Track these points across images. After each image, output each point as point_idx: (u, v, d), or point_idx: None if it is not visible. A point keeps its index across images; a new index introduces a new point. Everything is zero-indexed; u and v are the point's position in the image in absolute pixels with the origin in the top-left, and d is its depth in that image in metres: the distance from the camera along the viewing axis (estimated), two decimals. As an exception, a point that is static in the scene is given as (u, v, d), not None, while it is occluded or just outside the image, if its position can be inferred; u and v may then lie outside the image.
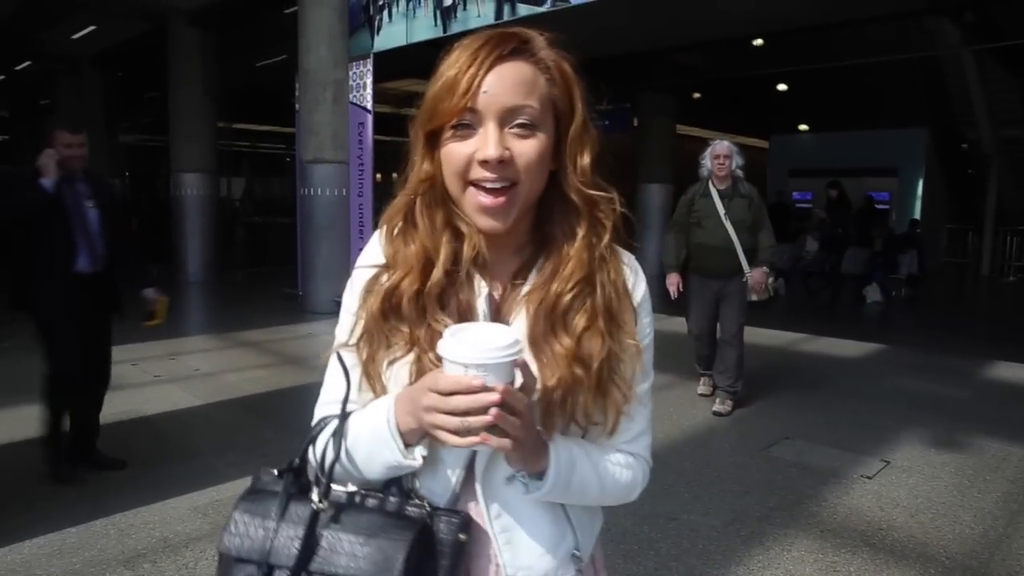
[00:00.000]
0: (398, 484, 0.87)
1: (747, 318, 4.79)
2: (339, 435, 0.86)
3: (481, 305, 0.87)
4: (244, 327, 7.41)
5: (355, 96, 8.39)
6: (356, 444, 0.86)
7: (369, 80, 8.28)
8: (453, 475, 0.88)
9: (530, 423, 0.78)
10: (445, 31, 7.46)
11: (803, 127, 17.16)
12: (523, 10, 6.80)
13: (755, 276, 4.64)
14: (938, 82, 13.09)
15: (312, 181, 8.38)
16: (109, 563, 2.72)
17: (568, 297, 0.85)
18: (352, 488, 0.87)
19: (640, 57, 11.50)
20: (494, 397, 0.72)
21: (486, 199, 0.82)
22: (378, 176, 9.28)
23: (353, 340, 0.89)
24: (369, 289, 0.89)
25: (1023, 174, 14.36)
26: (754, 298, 4.70)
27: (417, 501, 0.85)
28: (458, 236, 0.87)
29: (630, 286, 0.91)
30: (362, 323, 0.88)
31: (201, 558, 2.76)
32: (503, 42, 0.82)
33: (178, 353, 6.14)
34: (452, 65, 0.82)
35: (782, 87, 14.72)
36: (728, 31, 10.25)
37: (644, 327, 0.93)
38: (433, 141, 0.85)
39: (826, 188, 10.61)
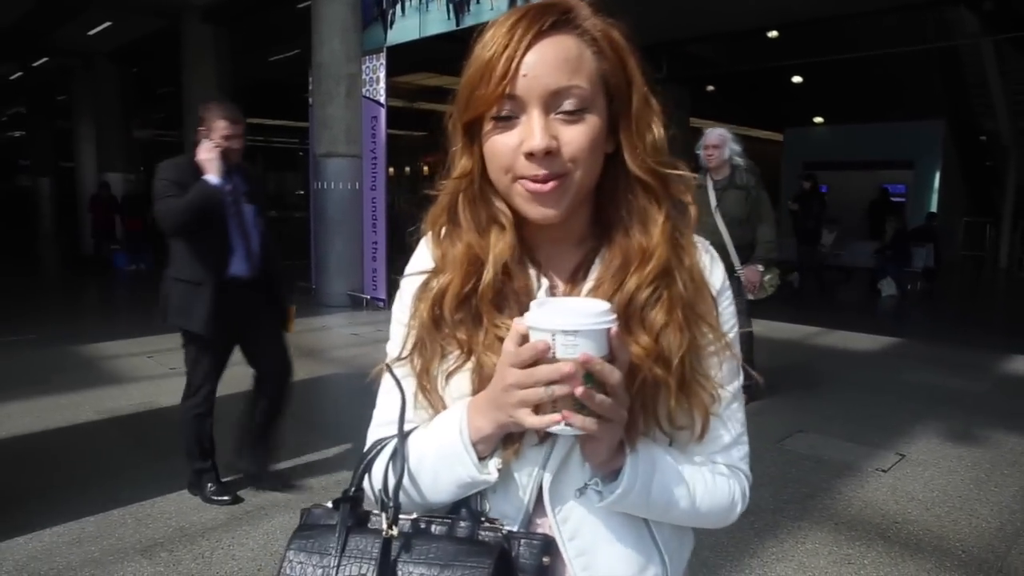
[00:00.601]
0: (467, 507, 0.80)
1: (747, 317, 4.47)
2: (400, 455, 0.78)
3: None
4: (258, 320, 7.45)
5: (368, 90, 8.40)
6: (420, 464, 0.79)
7: (382, 74, 8.28)
8: (525, 493, 0.79)
9: (621, 402, 0.69)
10: (458, 24, 7.44)
11: (818, 119, 17.02)
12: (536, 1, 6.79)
13: (747, 274, 4.37)
14: (955, 72, 12.94)
15: (325, 175, 8.41)
16: (127, 551, 2.75)
17: (646, 293, 0.76)
18: (413, 515, 0.78)
19: (653, 49, 11.44)
20: (571, 367, 0.65)
21: (534, 185, 0.73)
22: (391, 170, 9.29)
23: (406, 352, 0.82)
24: (419, 296, 0.82)
25: (1042, 166, 14.17)
26: (750, 297, 4.44)
27: (489, 524, 0.76)
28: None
29: (707, 273, 0.82)
30: (414, 333, 0.82)
31: (217, 547, 2.79)
32: (542, 15, 0.72)
33: (193, 346, 6.19)
34: (486, 46, 0.73)
35: (797, 79, 14.59)
36: (742, 23, 10.17)
37: (727, 317, 0.84)
38: (472, 132, 0.77)
39: (800, 179, 10.53)
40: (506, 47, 0.71)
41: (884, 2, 8.98)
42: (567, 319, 0.66)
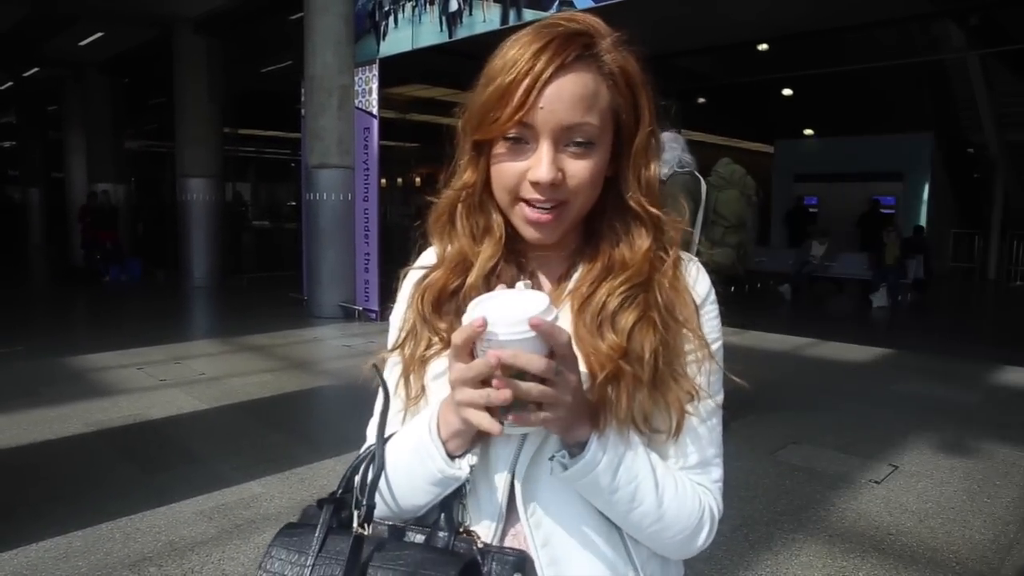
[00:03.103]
0: (448, 517, 0.79)
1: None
2: (378, 454, 0.79)
3: None
4: (249, 331, 7.42)
5: (361, 101, 8.41)
6: (398, 463, 0.79)
7: (375, 85, 8.29)
8: (498, 495, 0.79)
9: (559, 387, 0.68)
10: (451, 36, 7.47)
11: (808, 132, 17.13)
12: (529, 15, 6.80)
13: None
14: (944, 86, 13.07)
15: (318, 186, 8.41)
16: (115, 567, 2.71)
17: (616, 300, 0.79)
18: (391, 522, 0.80)
19: (645, 62, 11.50)
20: (486, 365, 0.65)
21: (533, 214, 0.78)
22: (383, 181, 9.28)
23: (400, 340, 0.87)
24: (417, 286, 0.87)
25: (1030, 178, 14.30)
26: None
27: (466, 536, 0.76)
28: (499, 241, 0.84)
29: (691, 282, 0.84)
30: (410, 321, 0.86)
31: (207, 562, 2.76)
32: (566, 47, 0.74)
33: (183, 357, 6.14)
34: (507, 70, 0.74)
35: (787, 92, 14.70)
36: (733, 36, 10.25)
37: (710, 328, 0.84)
38: (480, 148, 0.80)
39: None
40: (527, 75, 0.73)
41: (873, 16, 9.07)
42: (492, 327, 0.66)
